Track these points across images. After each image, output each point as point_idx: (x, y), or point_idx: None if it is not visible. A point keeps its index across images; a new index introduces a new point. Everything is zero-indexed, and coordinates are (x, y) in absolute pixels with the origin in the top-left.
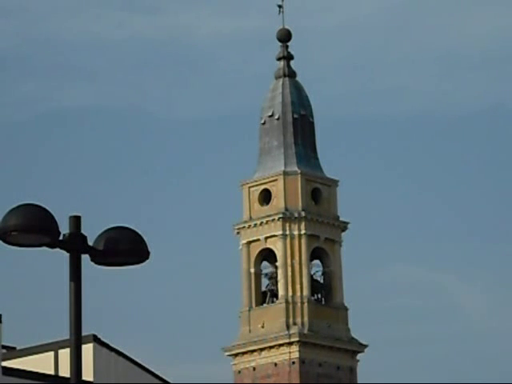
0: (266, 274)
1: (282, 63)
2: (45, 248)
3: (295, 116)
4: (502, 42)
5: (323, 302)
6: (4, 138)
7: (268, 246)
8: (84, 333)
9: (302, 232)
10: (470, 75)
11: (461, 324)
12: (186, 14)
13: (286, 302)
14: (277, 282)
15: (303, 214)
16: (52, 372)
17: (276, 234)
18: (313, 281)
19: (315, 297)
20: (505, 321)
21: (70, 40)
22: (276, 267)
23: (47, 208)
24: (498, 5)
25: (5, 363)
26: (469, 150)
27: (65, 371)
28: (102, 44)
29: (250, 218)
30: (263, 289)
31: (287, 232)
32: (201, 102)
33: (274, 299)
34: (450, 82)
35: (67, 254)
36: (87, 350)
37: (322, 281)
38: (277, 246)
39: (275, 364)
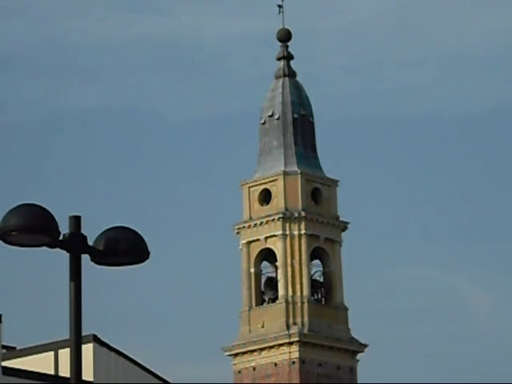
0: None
1: (282, 63)
2: (45, 248)
3: (295, 116)
4: (504, 43)
5: (323, 302)
6: (8, 139)
7: (268, 245)
8: (84, 333)
9: (302, 232)
10: (472, 76)
11: (465, 324)
12: (189, 16)
13: (286, 301)
14: (277, 282)
15: (303, 214)
16: (52, 372)
17: (276, 233)
18: (313, 281)
19: (315, 297)
20: (510, 321)
21: (76, 41)
22: (276, 267)
23: (47, 208)
24: (500, 5)
25: (5, 363)
26: (471, 151)
27: (65, 371)
28: (108, 45)
29: (250, 217)
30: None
31: (287, 232)
32: (201, 102)
33: (275, 296)
34: (452, 82)
35: (67, 254)
36: (87, 350)
37: (322, 281)
38: (277, 246)
39: (275, 364)
